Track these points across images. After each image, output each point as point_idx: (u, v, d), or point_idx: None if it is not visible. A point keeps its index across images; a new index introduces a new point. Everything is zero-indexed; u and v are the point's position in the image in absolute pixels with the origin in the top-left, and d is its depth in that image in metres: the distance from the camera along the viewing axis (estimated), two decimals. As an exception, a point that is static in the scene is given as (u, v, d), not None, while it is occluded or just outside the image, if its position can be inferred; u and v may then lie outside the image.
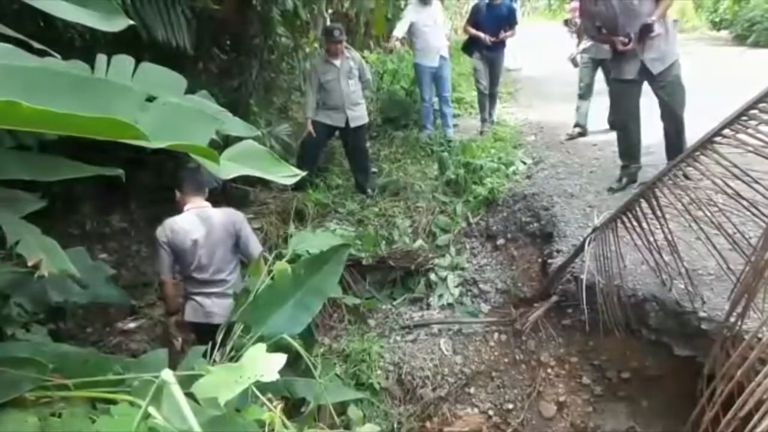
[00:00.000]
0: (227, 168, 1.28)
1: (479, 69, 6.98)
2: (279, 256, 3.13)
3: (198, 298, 3.25)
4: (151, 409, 1.20)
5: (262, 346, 1.22)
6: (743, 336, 2.38)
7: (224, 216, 3.26)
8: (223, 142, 3.04)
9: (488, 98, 7.14)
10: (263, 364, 1.17)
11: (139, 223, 6.01)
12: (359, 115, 5.58)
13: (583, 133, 6.42)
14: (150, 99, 1.35)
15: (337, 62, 5.37)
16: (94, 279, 3.09)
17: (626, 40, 4.17)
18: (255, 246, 3.30)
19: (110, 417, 1.29)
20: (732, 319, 2.44)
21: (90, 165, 1.76)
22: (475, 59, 6.96)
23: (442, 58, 6.64)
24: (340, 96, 5.40)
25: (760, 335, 2.08)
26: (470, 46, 6.95)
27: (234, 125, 1.88)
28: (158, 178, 6.08)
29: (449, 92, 7.07)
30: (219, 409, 1.24)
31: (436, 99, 6.99)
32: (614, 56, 4.41)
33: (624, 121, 4.64)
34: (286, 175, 1.43)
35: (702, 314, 3.30)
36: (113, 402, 1.31)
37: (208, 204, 3.30)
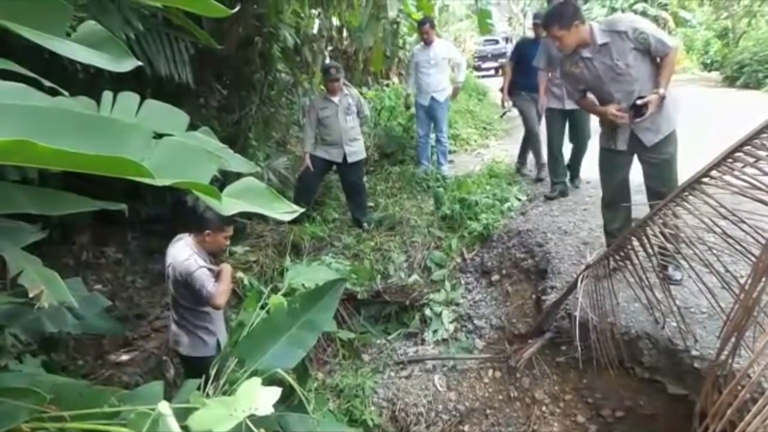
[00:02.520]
0: (229, 205, 1.33)
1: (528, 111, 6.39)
2: (275, 290, 3.16)
3: (203, 333, 3.23)
4: (147, 441, 1.22)
5: (256, 380, 1.24)
6: (734, 374, 2.39)
7: None
8: (222, 177, 3.09)
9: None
10: (257, 397, 1.19)
11: (134, 254, 6.01)
12: (356, 150, 5.68)
13: (564, 192, 5.77)
14: (154, 136, 1.40)
15: (336, 99, 5.50)
16: (89, 310, 3.10)
17: (622, 113, 3.52)
18: None
19: (105, 450, 1.30)
20: (723, 357, 2.46)
21: (91, 197, 1.80)
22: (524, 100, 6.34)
23: (433, 99, 6.66)
24: (338, 132, 5.52)
25: (749, 373, 2.10)
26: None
27: (234, 161, 1.93)
28: (154, 209, 6.12)
29: (445, 132, 7.08)
30: (213, 442, 1.26)
31: (433, 135, 7.10)
32: (602, 122, 3.80)
33: (610, 199, 3.91)
34: (285, 211, 1.48)
35: (694, 353, 3.31)
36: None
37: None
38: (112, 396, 1.51)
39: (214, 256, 3.35)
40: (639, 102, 3.42)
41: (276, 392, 1.22)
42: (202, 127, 2.27)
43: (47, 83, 1.69)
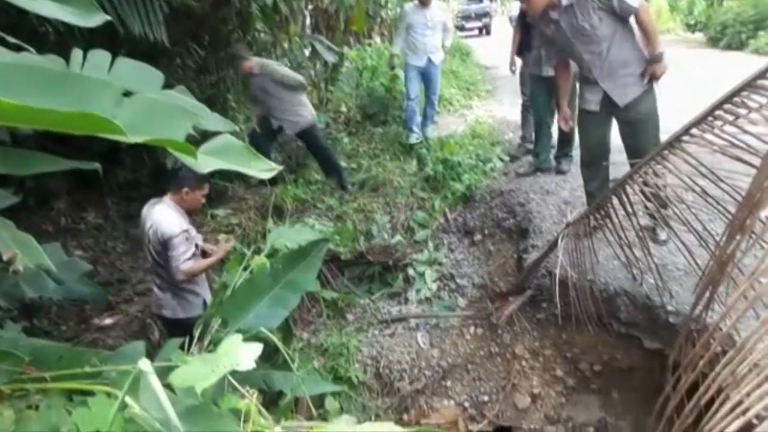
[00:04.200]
0: (205, 162, 1.30)
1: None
2: (257, 251, 3.15)
3: (188, 294, 3.23)
4: (129, 399, 1.22)
5: (237, 337, 1.25)
6: (707, 328, 2.46)
7: None
8: (200, 138, 3.03)
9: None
10: (240, 353, 1.19)
11: (114, 219, 5.96)
12: (295, 121, 5.51)
13: (540, 168, 5.38)
14: (126, 94, 1.36)
15: (257, 73, 5.38)
16: (69, 275, 3.07)
17: (567, 121, 3.96)
18: None
19: (87, 409, 1.31)
20: (697, 312, 2.52)
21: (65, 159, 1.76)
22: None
23: (429, 61, 6.40)
24: (270, 104, 5.47)
25: (721, 327, 2.16)
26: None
27: (211, 120, 1.89)
28: (133, 174, 6.04)
29: (437, 95, 6.88)
30: (196, 399, 1.26)
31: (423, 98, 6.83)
32: (580, 82, 3.85)
33: (588, 159, 3.92)
34: (264, 169, 1.45)
35: (670, 308, 3.40)
36: (90, 393, 1.32)
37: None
38: (94, 357, 1.51)
39: (190, 215, 3.32)
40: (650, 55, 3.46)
41: (257, 348, 1.22)
42: (178, 86, 2.22)
43: (12, 39, 1.62)
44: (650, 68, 3.50)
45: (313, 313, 4.54)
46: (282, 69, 5.52)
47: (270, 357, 2.99)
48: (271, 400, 2.74)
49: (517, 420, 3.87)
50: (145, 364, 1.13)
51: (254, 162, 1.45)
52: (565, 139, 5.11)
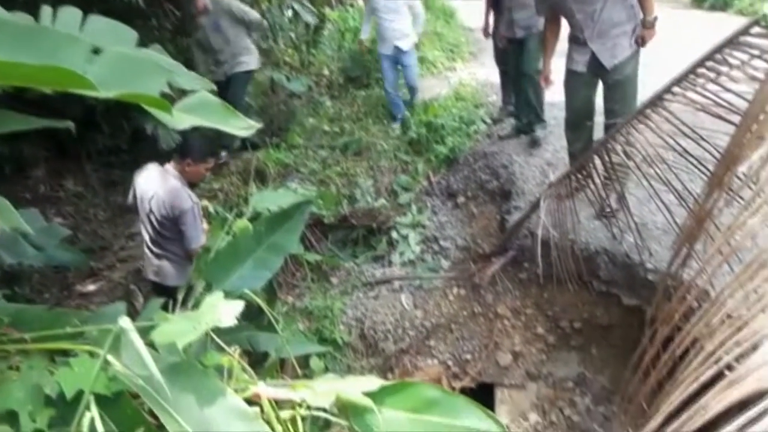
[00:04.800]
0: (180, 119, 1.27)
1: None
2: (239, 215, 3.13)
3: (188, 263, 3.21)
4: (111, 358, 1.22)
5: (219, 294, 1.24)
6: (683, 283, 2.52)
7: None
8: (177, 97, 2.97)
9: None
10: (221, 310, 1.19)
11: (94, 186, 5.87)
12: (237, 63, 5.30)
13: (522, 130, 5.17)
14: (98, 51, 1.32)
15: (210, 17, 5.11)
16: (48, 241, 3.03)
17: (548, 80, 3.98)
18: None
19: (69, 368, 1.30)
20: (674, 268, 2.57)
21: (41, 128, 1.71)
22: None
23: (397, 48, 5.73)
24: (217, 49, 5.25)
25: (697, 282, 2.21)
26: None
27: (187, 79, 1.85)
28: (113, 140, 5.92)
29: (415, 85, 6.21)
30: (178, 356, 1.27)
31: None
32: (569, 41, 3.78)
33: (572, 120, 3.89)
34: (242, 127, 1.43)
35: (649, 266, 3.47)
36: (72, 353, 1.32)
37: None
38: (74, 318, 1.50)
39: (192, 186, 3.27)
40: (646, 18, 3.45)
41: (239, 305, 1.23)
42: (153, 45, 2.15)
43: (-26, -7, 1.56)
44: (642, 32, 3.48)
45: (297, 277, 4.56)
46: (240, 4, 5.23)
47: (255, 318, 3.00)
48: (257, 361, 2.76)
49: (499, 377, 3.97)
50: (125, 322, 1.12)
51: (232, 119, 1.43)
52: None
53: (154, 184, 3.06)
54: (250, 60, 5.39)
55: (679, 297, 2.19)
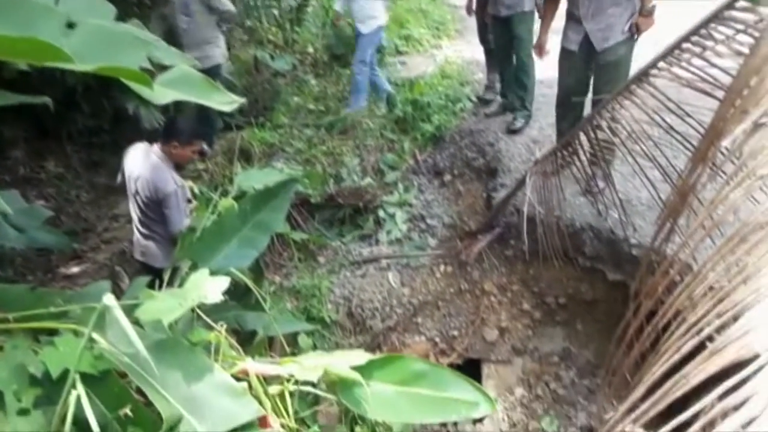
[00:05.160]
0: (161, 94, 1.25)
1: None
2: (225, 194, 3.10)
3: (173, 244, 3.19)
4: (96, 336, 1.21)
5: (205, 271, 1.23)
6: (666, 257, 2.55)
7: None
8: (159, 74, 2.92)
9: None
10: (206, 287, 1.19)
11: (76, 167, 5.78)
12: (201, 57, 4.69)
13: (509, 107, 5.04)
14: (74, 26, 1.28)
15: None
16: (29, 222, 2.99)
17: (543, 50, 3.99)
18: None
19: (54, 348, 1.29)
20: (657, 242, 2.60)
21: (19, 106, 1.67)
22: None
23: (357, 30, 5.54)
24: (179, 33, 4.89)
25: (680, 255, 2.24)
26: None
27: (168, 54, 1.80)
28: (94, 120, 5.82)
29: (372, 64, 5.82)
30: (164, 334, 1.26)
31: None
32: (566, 18, 3.75)
33: (562, 97, 3.87)
34: (225, 101, 1.40)
35: (633, 241, 3.51)
36: (56, 333, 1.30)
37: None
38: (58, 297, 1.48)
39: (179, 168, 3.24)
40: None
41: (224, 282, 1.22)
42: (132, 20, 2.10)
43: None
44: (638, 20, 3.44)
45: (284, 257, 4.54)
46: None
47: (242, 297, 3.00)
48: (245, 340, 2.76)
49: (485, 352, 4.02)
50: (109, 300, 1.11)
51: (215, 94, 1.40)
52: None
53: (140, 164, 3.03)
54: (215, 53, 5.04)
55: (662, 271, 2.21)
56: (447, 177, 4.89)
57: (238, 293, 3.28)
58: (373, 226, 4.67)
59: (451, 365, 3.92)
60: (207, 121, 5.26)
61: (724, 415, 1.46)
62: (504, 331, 4.02)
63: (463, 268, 4.15)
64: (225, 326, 1.27)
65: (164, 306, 1.15)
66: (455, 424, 3.94)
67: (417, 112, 5.48)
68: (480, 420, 3.87)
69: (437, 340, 4.04)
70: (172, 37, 4.93)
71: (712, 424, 1.47)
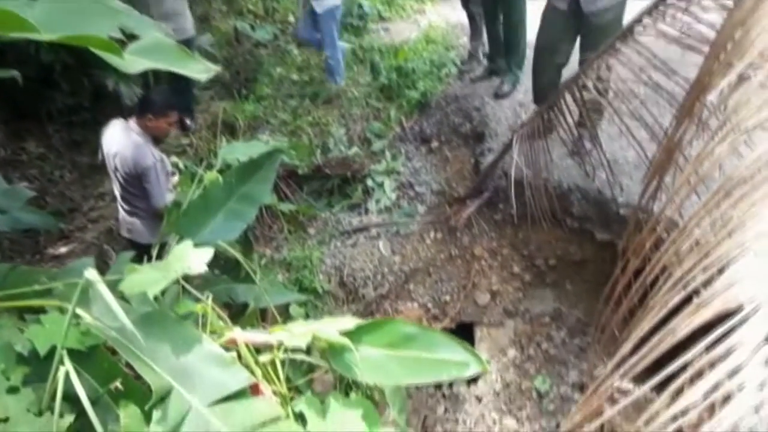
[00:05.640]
0: (132, 63, 1.21)
1: None
2: (209, 167, 3.06)
3: (160, 219, 3.16)
4: (80, 312, 1.20)
5: (188, 243, 1.22)
6: (653, 214, 2.57)
7: None
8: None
9: None
10: (190, 258, 1.18)
11: (58, 147, 5.69)
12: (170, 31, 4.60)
13: (496, 71, 4.98)
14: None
15: None
16: (11, 203, 2.96)
17: None
18: None
19: (40, 325, 1.28)
20: (644, 200, 2.62)
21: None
22: None
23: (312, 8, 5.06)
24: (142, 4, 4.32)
25: (666, 212, 2.25)
26: None
27: (141, 23, 1.74)
28: (73, 98, 5.71)
29: (330, 47, 5.33)
30: (151, 307, 1.26)
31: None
32: None
33: (540, 56, 3.81)
34: (201, 70, 1.37)
35: (621, 201, 3.53)
36: (41, 310, 1.29)
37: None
38: (42, 275, 1.46)
39: (158, 142, 3.19)
40: None
41: (208, 253, 1.21)
42: (102, -11, 2.03)
43: None
44: None
45: (274, 229, 4.53)
46: None
47: (232, 271, 2.99)
48: (237, 313, 2.77)
49: (477, 316, 4.06)
50: (91, 274, 1.10)
51: (189, 62, 1.37)
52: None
53: (118, 141, 2.99)
54: (187, 26, 4.74)
55: (649, 228, 2.23)
56: (434, 143, 4.86)
57: (228, 267, 3.28)
58: (362, 196, 4.65)
59: (444, 330, 3.97)
60: (184, 93, 5.13)
61: (711, 365, 1.49)
62: (495, 294, 4.06)
63: (452, 233, 4.16)
64: (211, 297, 1.26)
65: (148, 278, 1.14)
66: (450, 386, 4.01)
67: (402, 78, 5.40)
68: (474, 381, 3.94)
69: (429, 305, 4.08)
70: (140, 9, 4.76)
71: (699, 374, 1.50)
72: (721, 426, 1.38)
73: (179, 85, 4.78)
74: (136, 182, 2.99)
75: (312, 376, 2.10)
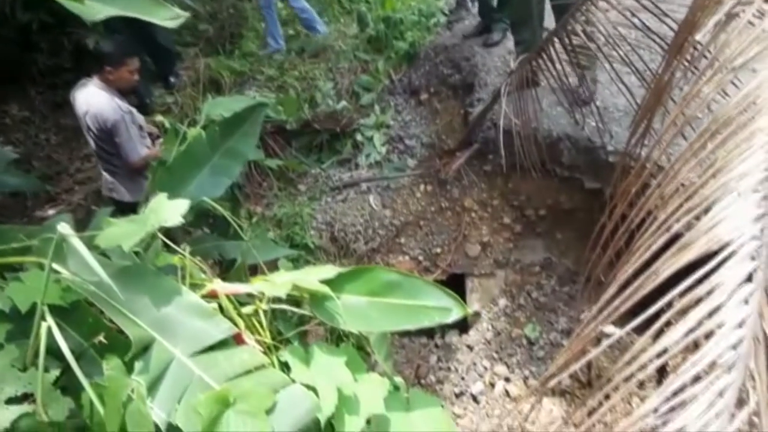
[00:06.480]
0: (94, 10, 1.16)
1: None
2: (192, 123, 3.01)
3: (140, 177, 3.12)
4: (58, 267, 1.20)
5: (163, 196, 1.20)
6: (640, 158, 2.56)
7: None
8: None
9: None
10: (166, 210, 1.16)
11: (42, 110, 5.59)
12: None
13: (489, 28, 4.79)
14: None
15: None
16: (-5, 166, 2.92)
17: None
18: None
19: (20, 282, 1.28)
20: (632, 144, 2.60)
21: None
22: None
23: None
24: None
25: (653, 155, 2.23)
26: None
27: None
28: (54, 59, 5.57)
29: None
30: (130, 260, 1.25)
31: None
32: None
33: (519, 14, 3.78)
34: (168, 17, 1.32)
35: (610, 148, 3.51)
36: (19, 266, 1.28)
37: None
38: (19, 233, 1.45)
39: (126, 94, 3.12)
40: None
41: (184, 204, 1.19)
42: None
43: None
44: None
45: (264, 187, 4.50)
46: None
47: (221, 228, 2.98)
48: (227, 270, 2.78)
49: (468, 267, 4.09)
50: (65, 229, 1.09)
51: (156, 9, 1.32)
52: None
53: (86, 99, 2.94)
54: None
55: (636, 172, 2.22)
56: (423, 95, 4.79)
57: (217, 225, 3.26)
58: (352, 150, 4.61)
59: (436, 281, 4.00)
60: (164, 50, 4.98)
61: (694, 305, 1.50)
62: (486, 245, 4.08)
63: (443, 186, 4.15)
64: (188, 248, 1.26)
65: (124, 232, 1.13)
66: (443, 336, 4.08)
67: (390, 29, 5.27)
68: (466, 331, 4.01)
69: (421, 258, 4.10)
70: None
71: (682, 313, 1.52)
72: (702, 362, 1.41)
73: (156, 40, 4.64)
74: (109, 138, 2.94)
75: (305, 329, 2.12)
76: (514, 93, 3.46)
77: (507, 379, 3.72)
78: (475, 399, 3.68)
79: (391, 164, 4.45)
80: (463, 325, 4.06)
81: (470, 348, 3.93)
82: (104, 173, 3.16)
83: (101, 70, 2.93)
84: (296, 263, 3.57)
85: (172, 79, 5.02)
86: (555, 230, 4.02)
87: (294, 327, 2.00)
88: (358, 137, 4.64)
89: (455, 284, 4.01)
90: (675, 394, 1.36)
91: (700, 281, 1.52)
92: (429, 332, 4.11)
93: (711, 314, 1.44)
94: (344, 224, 4.01)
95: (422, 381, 3.80)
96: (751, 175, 1.63)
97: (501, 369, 3.76)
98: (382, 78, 5.04)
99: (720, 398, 1.31)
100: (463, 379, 3.78)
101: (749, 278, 1.44)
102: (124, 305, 1.13)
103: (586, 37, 3.10)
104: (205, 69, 5.12)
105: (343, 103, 4.81)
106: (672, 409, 1.38)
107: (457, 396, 3.72)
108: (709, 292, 1.49)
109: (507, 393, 3.67)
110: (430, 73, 4.84)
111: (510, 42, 4.68)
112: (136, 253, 1.41)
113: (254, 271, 2.93)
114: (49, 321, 1.18)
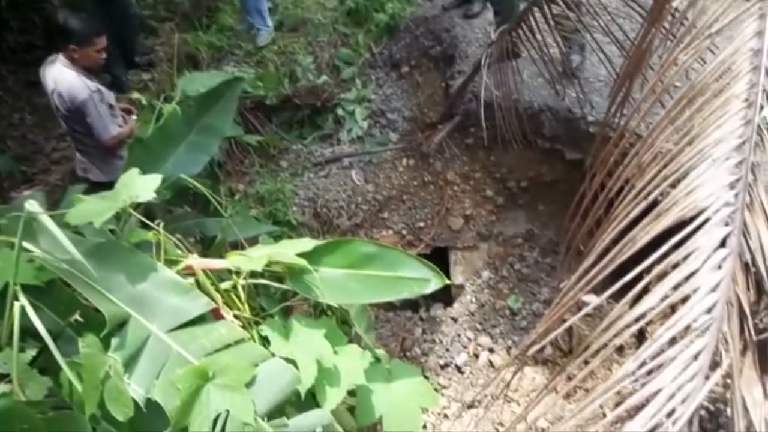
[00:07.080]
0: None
1: None
2: (168, 99, 2.96)
3: (113, 157, 3.05)
4: (29, 246, 1.18)
5: (134, 170, 1.18)
6: (619, 127, 2.57)
7: None
8: None
9: None
10: (138, 186, 1.14)
11: (14, 89, 5.44)
12: None
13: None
14: None
15: None
16: (-35, 146, 2.85)
17: None
18: None
19: (-9, 263, 1.26)
20: (611, 113, 2.60)
21: None
22: None
23: None
24: None
25: (632, 123, 2.24)
26: None
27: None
28: (24, 36, 5.41)
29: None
30: (104, 237, 1.23)
31: None
32: None
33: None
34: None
35: (590, 119, 3.52)
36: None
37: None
38: (-10, 213, 1.42)
39: (93, 73, 3.03)
40: None
41: (156, 179, 1.17)
42: None
43: None
44: None
45: (246, 164, 4.45)
46: None
47: (201, 205, 2.95)
48: (209, 247, 2.76)
49: (452, 240, 4.11)
50: (33, 206, 1.06)
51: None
52: None
53: (53, 78, 2.86)
54: None
55: (614, 141, 2.23)
56: (404, 68, 4.74)
57: (198, 203, 3.23)
58: (333, 125, 4.57)
59: (420, 255, 4.02)
60: (128, 24, 4.76)
61: (670, 270, 1.53)
62: (469, 218, 4.10)
63: (425, 160, 4.14)
64: (162, 224, 1.24)
65: (95, 209, 1.11)
66: (427, 310, 4.12)
67: (369, 1, 5.19)
68: (450, 304, 4.05)
69: (404, 232, 4.11)
70: None
71: (659, 278, 1.54)
72: (677, 326, 1.44)
73: (106, 8, 4.42)
74: (79, 118, 2.87)
75: (288, 304, 2.12)
76: (495, 65, 3.43)
77: (491, 350, 3.78)
78: (459, 370, 3.73)
79: (373, 139, 4.42)
80: (447, 298, 4.10)
81: (454, 320, 3.97)
82: (77, 153, 3.10)
83: (66, 48, 2.84)
84: (279, 240, 3.57)
85: (137, 59, 4.88)
86: (537, 202, 4.04)
87: (277, 303, 2.00)
88: (340, 112, 4.59)
89: (439, 258, 4.03)
90: (652, 358, 1.39)
91: (676, 247, 1.55)
92: (414, 306, 4.15)
93: (687, 278, 1.47)
94: (327, 200, 4.00)
95: (408, 353, 3.84)
96: (725, 141, 1.64)
97: (485, 340, 3.81)
98: (363, 51, 4.97)
99: (695, 361, 1.34)
100: (447, 350, 3.82)
101: (723, 243, 1.47)
102: (98, 282, 1.11)
103: (565, 6, 3.08)
104: (181, 44, 5.01)
105: (324, 77, 4.75)
106: (649, 373, 1.41)
107: (442, 367, 3.77)
108: (685, 257, 1.52)
109: (491, 363, 3.73)
110: (410, 45, 4.78)
111: (490, 13, 4.63)
112: (112, 231, 1.39)
113: (236, 248, 2.92)
114: (23, 300, 1.16)
